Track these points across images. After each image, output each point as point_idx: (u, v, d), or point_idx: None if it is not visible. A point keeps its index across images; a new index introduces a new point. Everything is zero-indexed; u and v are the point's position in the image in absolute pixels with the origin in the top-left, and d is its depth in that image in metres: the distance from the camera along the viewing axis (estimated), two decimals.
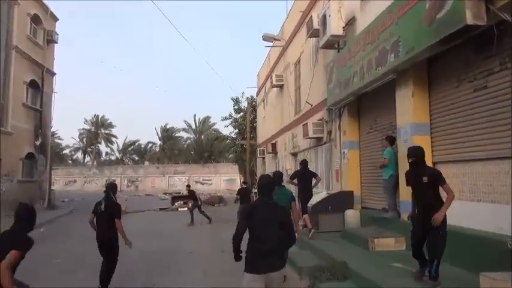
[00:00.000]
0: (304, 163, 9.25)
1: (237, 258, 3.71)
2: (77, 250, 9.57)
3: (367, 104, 8.97)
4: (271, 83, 17.60)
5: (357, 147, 9.41)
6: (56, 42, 23.30)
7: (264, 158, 22.79)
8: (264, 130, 23.12)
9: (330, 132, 10.59)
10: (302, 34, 13.89)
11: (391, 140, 7.40)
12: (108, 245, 5.76)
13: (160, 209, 22.92)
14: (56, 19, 23.72)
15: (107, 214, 5.79)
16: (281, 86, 17.37)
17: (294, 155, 15.29)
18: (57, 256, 9.00)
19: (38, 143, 21.46)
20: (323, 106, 11.00)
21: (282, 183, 6.01)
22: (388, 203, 7.37)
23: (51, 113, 23.50)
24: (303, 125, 11.88)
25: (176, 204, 23.34)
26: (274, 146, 18.68)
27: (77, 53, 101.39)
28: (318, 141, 11.69)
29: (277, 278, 3.51)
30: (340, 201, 8.77)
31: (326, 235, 8.31)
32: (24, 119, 20.01)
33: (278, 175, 6.17)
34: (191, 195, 15.68)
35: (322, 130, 11.14)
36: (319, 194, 10.05)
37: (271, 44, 17.99)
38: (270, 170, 21.17)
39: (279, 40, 16.99)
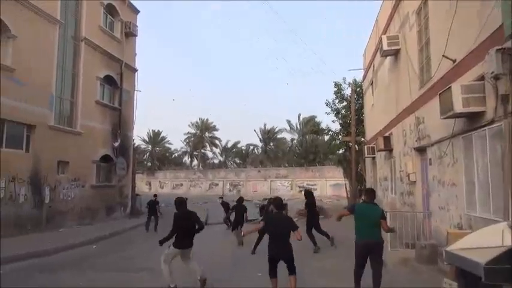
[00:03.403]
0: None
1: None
2: None
3: None
4: (382, 50, 12.36)
5: None
6: (136, 35, 21.49)
7: (374, 158, 17.39)
8: (373, 121, 17.71)
9: (505, 98, 5.23)
10: None
11: None
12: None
13: (247, 221, 19.21)
14: (136, 11, 22.01)
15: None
16: (396, 53, 12.03)
17: (420, 150, 9.90)
18: None
19: (116, 144, 19.67)
20: (484, 52, 5.69)
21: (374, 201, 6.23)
22: None
23: (133, 113, 21.74)
24: (439, 95, 6.63)
25: None
26: (387, 140, 13.32)
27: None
28: (472, 120, 6.32)
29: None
30: None
31: None
32: (98, 118, 18.26)
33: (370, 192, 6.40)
34: (309, 207, 10.62)
35: (482, 98, 5.80)
36: (486, 230, 4.73)
37: None
38: (381, 173, 15.74)
39: None
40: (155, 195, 16.39)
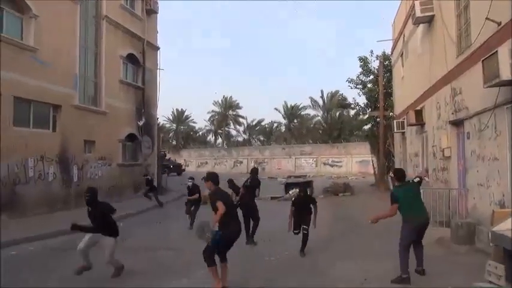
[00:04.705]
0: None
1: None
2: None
3: None
4: (414, 18, 11.58)
5: None
6: (157, 12, 21.19)
7: (403, 133, 16.71)
8: (403, 95, 16.93)
9: None
10: None
11: None
12: (250, 208, 8.58)
13: (272, 198, 19.11)
14: None
15: (252, 187, 8.91)
16: (430, 20, 11.23)
17: (456, 124, 9.30)
18: None
19: (141, 123, 19.74)
20: None
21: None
22: None
23: (156, 91, 21.70)
24: (483, 61, 6.04)
25: (291, 192, 19.17)
26: (419, 113, 12.66)
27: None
28: None
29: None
30: None
31: None
32: (122, 97, 18.28)
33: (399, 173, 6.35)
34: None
35: None
36: None
37: None
38: (412, 149, 15.12)
39: None
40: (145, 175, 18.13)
